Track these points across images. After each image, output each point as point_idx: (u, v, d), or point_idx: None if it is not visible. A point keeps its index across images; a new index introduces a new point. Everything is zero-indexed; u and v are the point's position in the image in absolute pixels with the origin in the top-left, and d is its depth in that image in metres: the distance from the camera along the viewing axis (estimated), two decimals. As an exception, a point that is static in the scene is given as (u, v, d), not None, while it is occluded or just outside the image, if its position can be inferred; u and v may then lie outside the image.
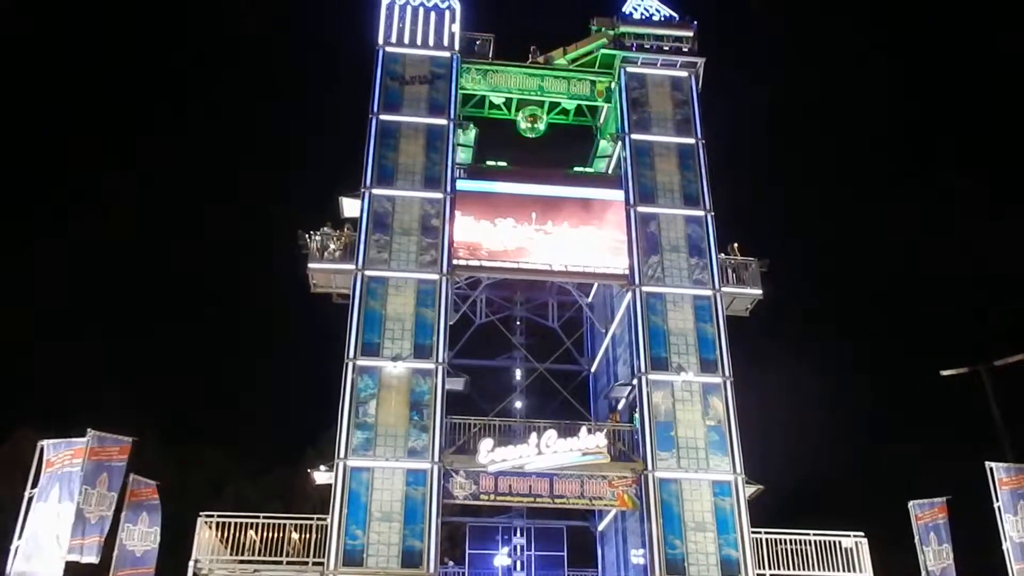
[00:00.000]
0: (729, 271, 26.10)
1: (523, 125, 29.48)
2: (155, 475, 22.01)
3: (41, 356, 44.06)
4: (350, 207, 26.06)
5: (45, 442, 18.90)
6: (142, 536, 20.74)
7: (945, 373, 24.56)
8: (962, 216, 56.84)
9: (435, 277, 24.52)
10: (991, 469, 21.35)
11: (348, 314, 23.94)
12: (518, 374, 29.23)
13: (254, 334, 51.92)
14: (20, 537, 18.05)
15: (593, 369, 30.65)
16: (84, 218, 58.09)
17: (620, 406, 26.75)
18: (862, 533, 22.93)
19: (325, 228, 25.52)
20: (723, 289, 25.46)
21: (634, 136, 27.33)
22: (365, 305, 23.96)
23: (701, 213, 26.35)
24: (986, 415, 24.05)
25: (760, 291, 26.08)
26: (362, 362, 23.28)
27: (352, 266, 24.54)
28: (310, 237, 25.27)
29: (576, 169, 29.70)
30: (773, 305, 26.84)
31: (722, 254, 26.11)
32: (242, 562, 21.45)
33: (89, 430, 18.90)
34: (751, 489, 23.39)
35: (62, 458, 18.42)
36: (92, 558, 18.67)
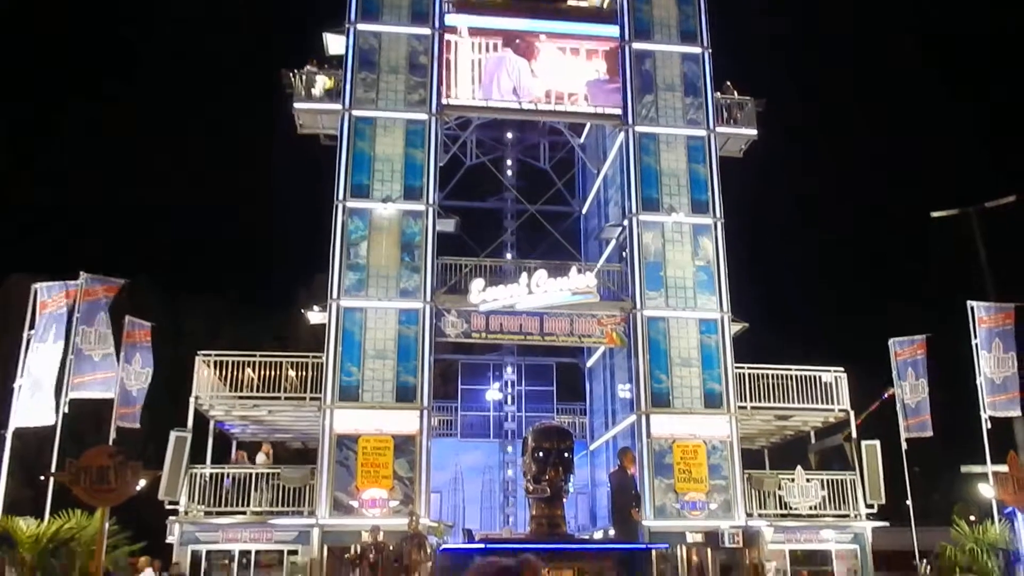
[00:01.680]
0: (724, 110, 25.71)
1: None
2: (152, 319, 22.38)
3: (37, 201, 43.93)
4: (335, 44, 25.25)
5: (39, 285, 19.15)
6: (136, 376, 21.35)
7: (935, 215, 24.71)
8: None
9: (424, 117, 24.08)
10: (972, 308, 21.90)
11: (336, 156, 23.68)
12: (509, 215, 29.26)
13: (246, 177, 51.53)
14: (21, 376, 18.60)
15: (584, 210, 30.69)
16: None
17: (611, 247, 26.96)
18: (842, 368, 23.72)
19: (309, 67, 24.83)
20: (717, 129, 25.16)
21: (630, -32, 26.21)
22: (353, 146, 23.64)
23: (698, 50, 25.64)
24: (971, 258, 24.45)
25: (755, 131, 25.78)
26: (352, 204, 23.22)
27: (339, 106, 24.04)
28: (295, 76, 24.62)
29: (570, 3, 28.61)
30: (767, 145, 26.61)
31: (717, 93, 25.64)
32: (241, 398, 22.15)
33: (82, 272, 19.12)
34: (736, 327, 23.99)
35: (56, 300, 18.72)
36: (107, 393, 19.32)
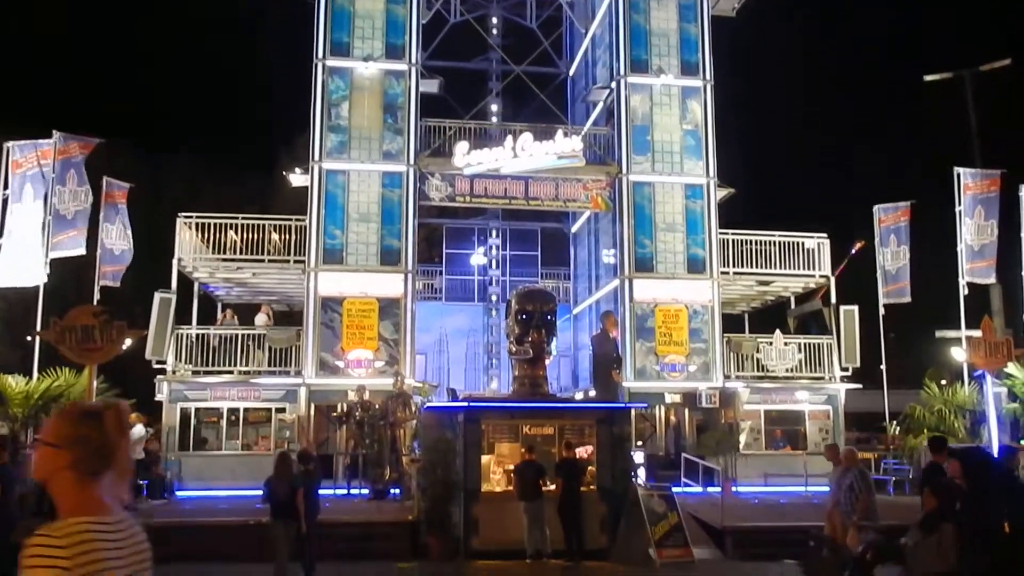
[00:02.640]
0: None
1: None
2: (129, 181, 22.05)
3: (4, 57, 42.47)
4: None
5: (11, 143, 18.77)
6: (119, 235, 21.24)
7: (928, 78, 24.32)
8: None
9: (406, -31, 23.14)
10: (958, 174, 21.85)
11: (315, 10, 22.84)
12: (494, 77, 28.57)
13: (223, 35, 49.85)
14: (1, 236, 18.46)
15: (571, 72, 30.00)
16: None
17: (598, 110, 26.51)
18: (825, 235, 23.85)
19: None
20: (709, -14, 24.37)
21: None
22: (332, 1, 22.79)
23: (690, -99, 24.52)
24: (961, 125, 24.23)
25: (749, -14, 25.00)
26: (332, 62, 22.59)
27: (316, -42, 23.02)
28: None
29: None
30: (762, 4, 25.82)
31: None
32: (224, 260, 22.12)
33: (55, 131, 18.72)
34: (722, 192, 23.93)
35: (29, 159, 18.39)
36: (78, 250, 19.27)
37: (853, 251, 23.82)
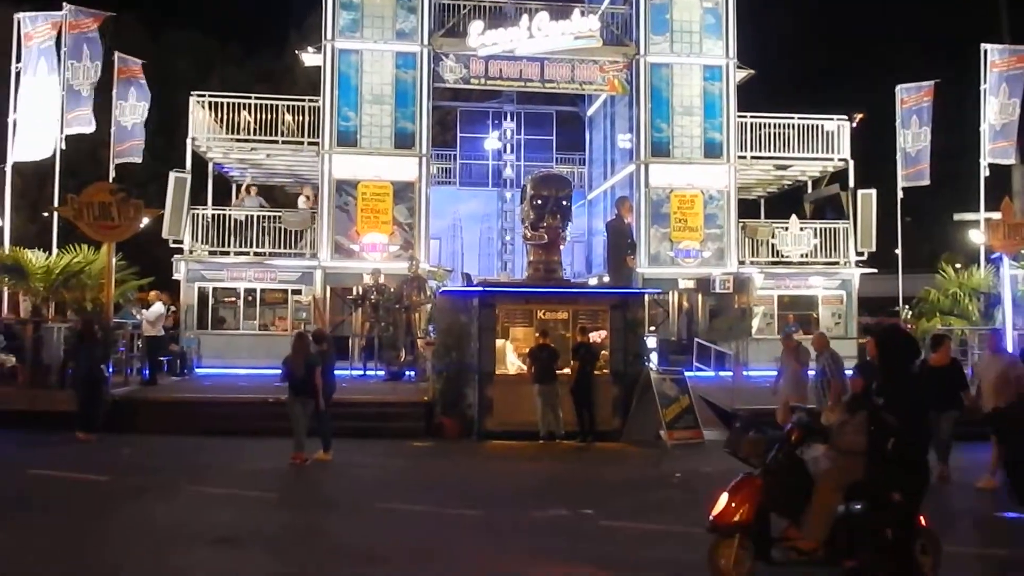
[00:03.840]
0: None
1: None
2: (140, 57, 21.70)
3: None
4: None
5: (21, 15, 18.43)
6: (132, 110, 21.05)
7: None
8: None
9: None
10: (985, 51, 21.17)
11: None
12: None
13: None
14: (15, 111, 18.34)
15: (590, -53, 28.89)
16: None
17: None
18: (845, 117, 23.39)
19: None
20: None
21: None
22: None
23: None
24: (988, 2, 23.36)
25: None
26: (343, -65, 21.84)
27: None
28: None
29: None
30: None
31: None
32: (238, 140, 21.98)
33: (65, 3, 18.35)
34: (741, 74, 23.36)
35: (41, 32, 18.07)
36: (88, 127, 19.17)
37: (853, 124, 23.41)
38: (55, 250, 17.48)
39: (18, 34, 18.37)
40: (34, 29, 18.21)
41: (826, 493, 6.00)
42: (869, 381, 6.30)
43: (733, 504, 6.01)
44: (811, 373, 11.78)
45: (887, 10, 45.93)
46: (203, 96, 21.88)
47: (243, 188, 23.30)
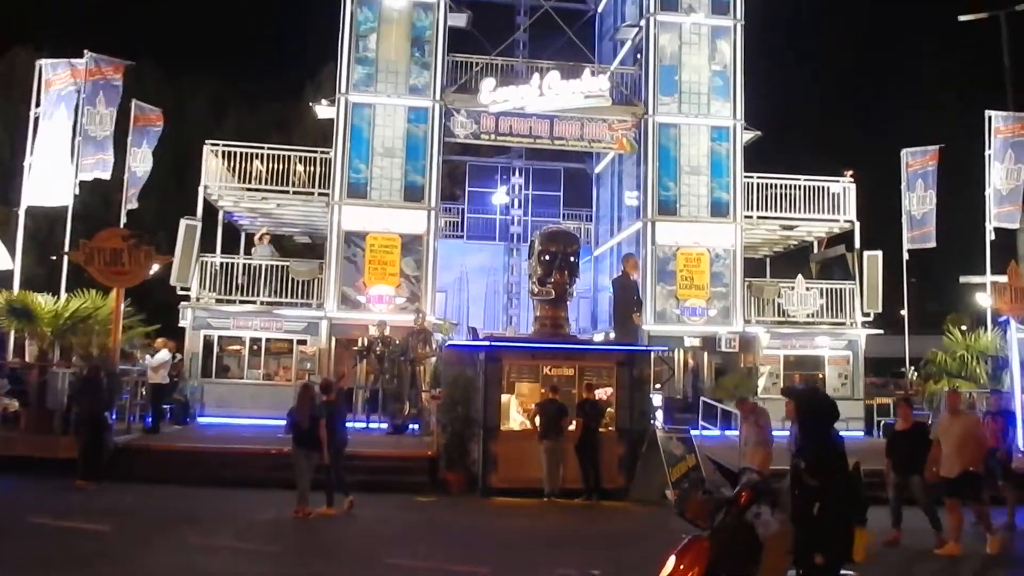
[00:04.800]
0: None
1: None
2: (155, 104, 22.02)
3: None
4: None
5: (43, 61, 18.76)
6: (144, 157, 21.32)
7: (963, 18, 23.73)
8: None
9: (435, -101, 22.66)
10: (990, 117, 21.46)
11: (345, -60, 22.48)
12: (522, 11, 28.07)
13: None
14: (31, 154, 18.57)
15: (600, 8, 29.43)
16: None
17: (625, 48, 26.10)
18: (851, 178, 23.57)
19: None
20: (744, -79, 23.73)
21: None
22: (363, -70, 22.40)
23: None
24: (993, 67, 23.69)
25: (784, -75, 24.33)
26: (361, -7, 22.29)
27: None
28: None
29: None
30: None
31: None
32: (250, 190, 22.17)
33: (86, 51, 18.68)
34: (748, 135, 23.62)
35: (61, 78, 18.39)
36: (104, 173, 19.39)
37: (845, 179, 23.54)
38: (64, 294, 17.53)
39: (39, 80, 18.68)
40: (55, 75, 18.55)
41: (775, 557, 5.87)
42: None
43: (681, 567, 5.87)
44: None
45: (894, 75, 46.58)
46: (217, 145, 22.13)
47: (257, 237, 23.41)
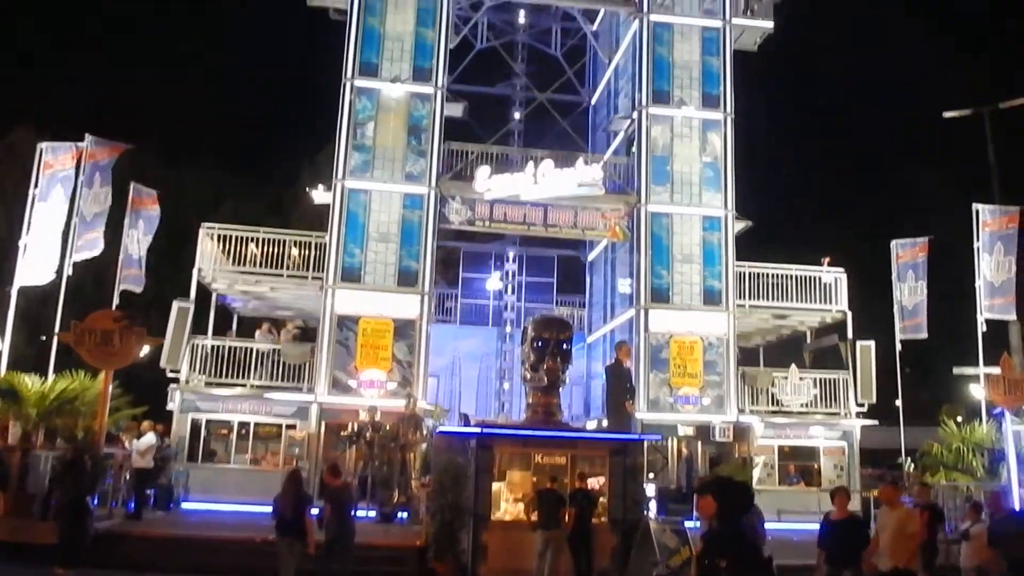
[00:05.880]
0: (741, 1, 24.95)
1: None
2: (153, 186, 22.23)
3: (41, 58, 43.05)
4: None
5: (44, 144, 18.99)
6: (138, 241, 21.41)
7: (948, 115, 24.29)
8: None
9: (436, -7, 23.40)
10: (977, 211, 21.80)
11: (346, 31, 23.10)
12: (517, 103, 28.76)
13: (251, 49, 50.42)
14: (27, 234, 18.63)
15: (594, 101, 30.15)
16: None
17: (618, 139, 26.61)
18: (842, 269, 23.76)
19: None
20: (733, 20, 24.51)
21: None
22: (363, 22, 23.06)
23: (718, -64, 24.72)
24: (979, 160, 24.17)
25: (771, 24, 25.12)
26: (360, 83, 22.79)
27: (349, -23, 23.34)
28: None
29: None
30: (783, 39, 25.90)
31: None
32: (244, 273, 22.20)
33: (87, 135, 18.95)
34: (740, 224, 23.89)
35: (61, 160, 18.61)
36: (95, 251, 19.44)
37: (824, 266, 23.71)
38: (51, 375, 17.35)
39: (39, 161, 18.89)
40: (54, 157, 18.78)
41: None
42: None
43: None
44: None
45: (884, 167, 47.51)
46: (212, 228, 22.25)
47: (264, 327, 23.43)
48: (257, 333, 23.10)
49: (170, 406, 21.02)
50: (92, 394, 16.17)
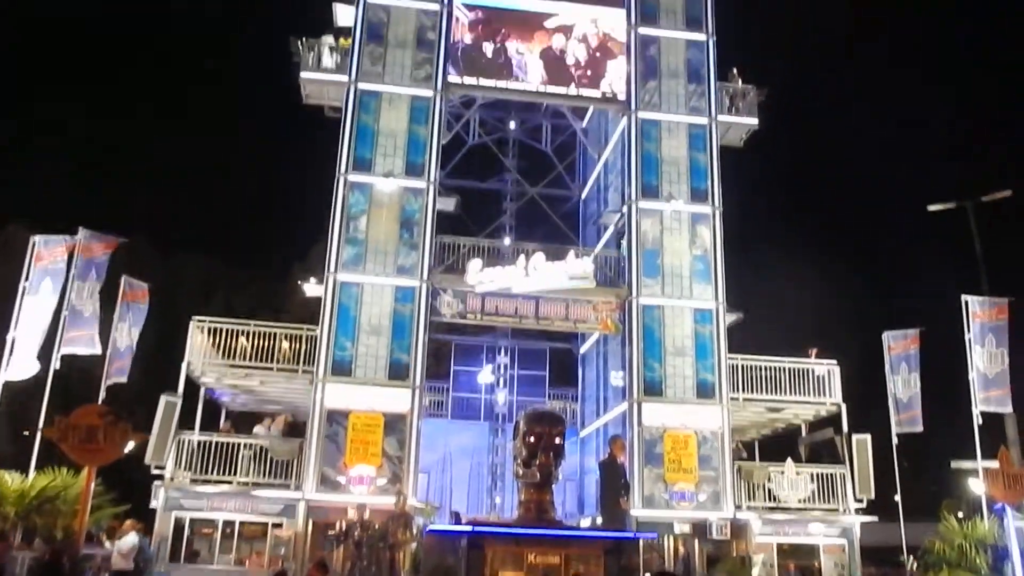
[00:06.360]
0: (726, 99, 25.60)
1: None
2: (145, 279, 22.23)
3: (36, 155, 43.67)
4: (344, 15, 25.06)
5: (37, 237, 19.04)
6: (128, 333, 21.29)
7: (932, 208, 24.66)
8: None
9: (429, 93, 23.93)
10: (966, 302, 21.92)
11: (340, 128, 23.52)
12: (509, 197, 29.15)
13: (246, 144, 51.33)
14: (15, 328, 18.50)
15: (584, 195, 30.56)
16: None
17: (609, 232, 26.86)
18: (834, 361, 23.68)
19: (326, 37, 24.61)
20: (719, 118, 25.06)
21: (639, -49, 26.01)
22: (357, 119, 23.50)
23: (703, 37, 25.52)
24: (966, 252, 24.44)
25: (756, 121, 25.70)
26: (354, 177, 23.07)
27: (345, 78, 23.88)
28: (303, 44, 24.41)
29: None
30: (769, 135, 26.50)
31: (722, 80, 25.57)
32: (233, 366, 21.99)
33: (81, 228, 19.03)
34: (731, 317, 23.91)
35: (53, 253, 18.66)
36: (87, 349, 19.27)
37: (811, 357, 23.63)
38: (32, 471, 16.96)
39: (31, 255, 18.91)
40: (47, 250, 18.85)
41: None
42: None
43: None
44: None
45: (874, 258, 48.04)
46: (203, 321, 22.14)
47: (265, 421, 23.14)
48: (257, 427, 22.77)
49: (153, 504, 20.50)
50: (74, 492, 15.80)
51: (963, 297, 22.07)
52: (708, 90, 25.05)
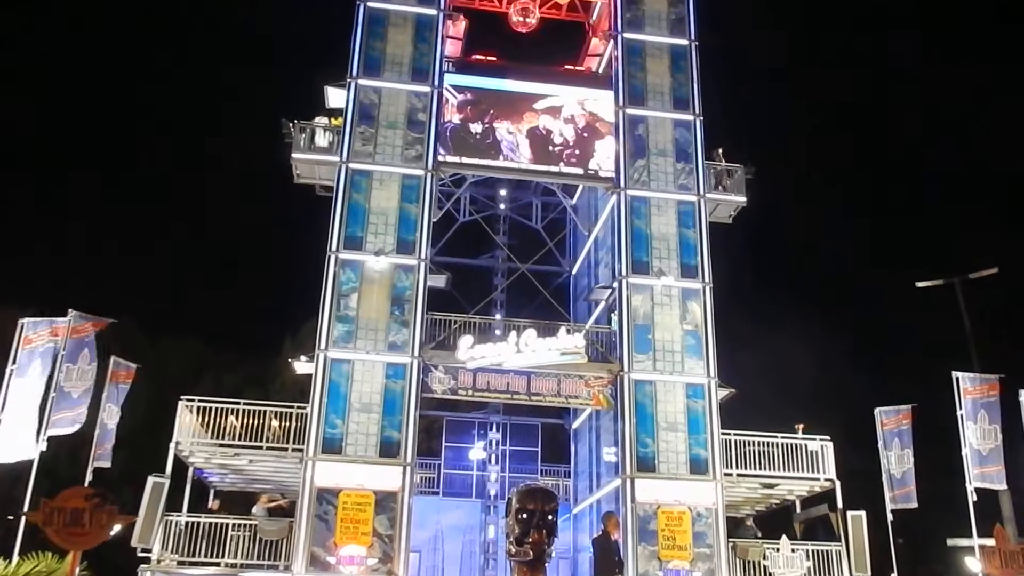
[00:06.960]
0: (714, 177, 26.07)
1: (515, 18, 28.73)
2: (134, 359, 22.18)
3: (24, 238, 43.92)
4: (335, 97, 25.61)
5: (25, 320, 19.06)
6: (113, 414, 21.18)
7: (920, 285, 24.94)
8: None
9: (420, 172, 24.30)
10: (957, 379, 21.99)
11: (332, 207, 23.80)
12: (499, 273, 29.37)
13: (237, 222, 51.71)
14: (2, 411, 18.38)
15: (574, 271, 30.81)
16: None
17: (600, 308, 27.01)
18: (828, 437, 23.60)
19: (319, 118, 25.11)
20: (707, 195, 25.47)
21: (626, 35, 26.75)
22: (349, 198, 23.79)
23: (690, 117, 26.09)
24: (955, 327, 24.61)
25: (744, 198, 26.12)
26: (345, 255, 23.26)
27: (336, 158, 24.27)
28: (294, 126, 24.87)
29: (567, 67, 29.13)
30: (758, 212, 26.91)
31: (708, 160, 26.06)
32: (222, 446, 21.80)
33: (70, 310, 19.05)
34: (723, 392, 23.92)
35: (41, 335, 18.65)
36: (72, 428, 19.13)
37: (798, 432, 23.55)
38: (16, 556, 16.65)
39: (19, 338, 18.89)
40: (35, 333, 18.83)
41: None
42: None
43: None
44: None
45: (865, 333, 48.25)
46: (192, 401, 22.02)
47: (263, 499, 22.89)
48: (256, 507, 22.49)
49: (138, 588, 20.10)
50: (57, 578, 15.50)
51: (954, 374, 22.17)
52: (696, 168, 25.50)
